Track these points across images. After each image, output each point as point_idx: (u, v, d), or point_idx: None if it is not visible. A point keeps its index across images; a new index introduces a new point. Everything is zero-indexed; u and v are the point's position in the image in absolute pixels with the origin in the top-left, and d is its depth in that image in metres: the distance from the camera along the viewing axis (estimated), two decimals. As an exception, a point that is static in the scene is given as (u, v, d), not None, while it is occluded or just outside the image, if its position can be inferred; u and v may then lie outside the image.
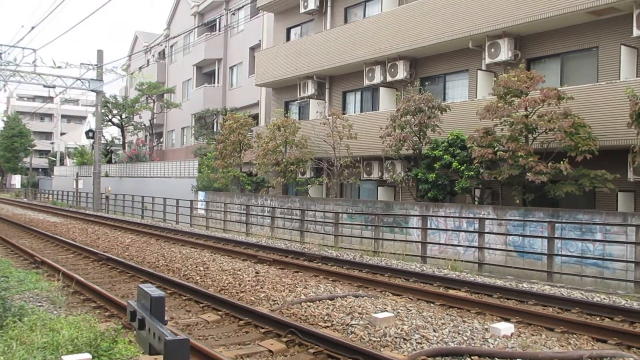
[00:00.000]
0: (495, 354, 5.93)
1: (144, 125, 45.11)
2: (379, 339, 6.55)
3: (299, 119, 25.32)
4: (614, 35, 15.30)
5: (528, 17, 16.11)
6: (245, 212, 21.56)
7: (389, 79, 20.87)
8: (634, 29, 14.18)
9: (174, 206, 26.25)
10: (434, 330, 6.78)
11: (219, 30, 37.27)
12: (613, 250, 11.97)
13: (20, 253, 13.93)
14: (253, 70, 30.95)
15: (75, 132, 72.34)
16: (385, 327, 6.84)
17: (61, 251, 14.90)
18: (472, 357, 5.88)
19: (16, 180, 72.36)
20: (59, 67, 29.02)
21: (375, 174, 20.48)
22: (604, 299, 9.41)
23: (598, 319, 8.15)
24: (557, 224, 12.58)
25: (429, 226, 15.10)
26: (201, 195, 26.49)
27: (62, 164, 62.35)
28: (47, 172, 73.82)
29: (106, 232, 18.09)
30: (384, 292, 9.78)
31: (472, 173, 15.65)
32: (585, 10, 15.00)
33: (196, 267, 11.50)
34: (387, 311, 7.55)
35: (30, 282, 9.52)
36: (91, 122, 52.56)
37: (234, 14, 34.80)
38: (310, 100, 25.13)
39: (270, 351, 6.33)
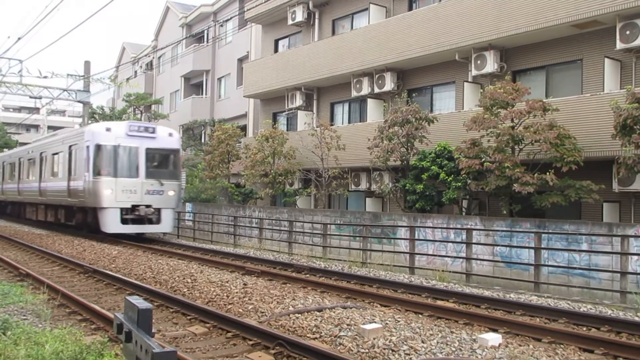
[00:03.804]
0: (483, 365, 5.93)
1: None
2: (367, 351, 6.54)
3: (287, 130, 25.36)
4: (597, 48, 15.53)
5: (513, 29, 16.31)
6: (233, 223, 21.50)
7: (376, 90, 20.99)
8: (617, 41, 14.41)
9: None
10: (423, 341, 6.78)
11: (207, 42, 37.30)
12: (599, 260, 12.07)
13: (5, 265, 13.75)
14: (241, 81, 30.99)
15: (61, 143, 71.71)
16: (374, 339, 6.83)
17: (47, 263, 14.73)
18: (460, 368, 5.88)
19: (1, 191, 71.53)
20: (45, 77, 28.83)
21: (363, 185, 20.53)
22: (591, 309, 9.47)
23: (585, 329, 8.20)
24: (543, 235, 12.67)
25: (416, 237, 15.14)
26: (188, 206, 26.36)
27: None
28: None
29: (92, 244, 17.93)
30: (372, 303, 9.77)
31: (460, 184, 15.74)
32: (569, 23, 15.23)
33: (184, 279, 11.42)
34: (375, 322, 7.54)
35: (15, 295, 9.41)
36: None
37: (222, 25, 34.87)
38: (298, 111, 25.19)
39: (258, 363, 6.29)
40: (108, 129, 19.04)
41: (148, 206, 18.96)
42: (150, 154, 19.52)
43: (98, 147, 18.74)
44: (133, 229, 19.24)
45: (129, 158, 19.06)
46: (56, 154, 22.92)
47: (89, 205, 19.18)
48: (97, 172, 18.68)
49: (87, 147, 19.08)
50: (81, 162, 19.58)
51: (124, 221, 18.61)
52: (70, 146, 21.02)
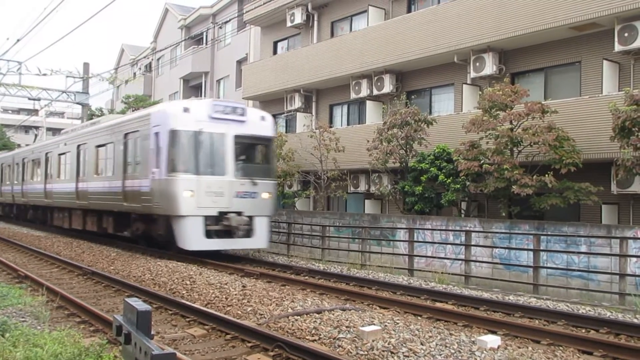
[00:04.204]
0: (482, 367, 5.92)
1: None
2: (366, 353, 6.53)
3: (286, 132, 25.34)
4: (596, 50, 15.55)
5: (512, 32, 16.33)
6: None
7: (375, 92, 21.00)
8: (616, 44, 14.43)
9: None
10: (422, 343, 6.78)
11: (206, 44, 37.31)
12: (598, 262, 12.08)
13: (4, 267, 13.75)
14: (240, 83, 30.99)
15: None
16: (373, 341, 6.83)
17: (45, 265, 14.72)
18: (460, 370, 5.87)
19: (0, 193, 71.44)
20: (45, 75, 28.80)
21: (363, 187, 20.53)
22: (590, 311, 9.48)
23: (584, 331, 8.21)
24: (542, 237, 12.68)
25: (415, 239, 15.14)
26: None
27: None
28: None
29: (91, 246, 17.92)
30: (371, 305, 9.77)
31: (459, 186, 15.75)
32: (568, 25, 15.25)
33: (182, 281, 11.42)
34: (374, 324, 7.54)
35: (14, 297, 9.40)
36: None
37: (221, 27, 34.88)
38: (297, 113, 25.19)
39: (257, 365, 6.28)
40: (186, 109, 14.39)
41: (239, 213, 14.50)
42: (240, 143, 15.05)
43: (174, 134, 14.13)
44: (220, 245, 14.71)
45: (215, 149, 14.59)
46: (102, 146, 18.56)
47: (157, 212, 14.67)
48: (172, 168, 14.10)
49: (156, 134, 14.60)
50: (145, 154, 15.24)
51: (207, 234, 14.18)
52: (126, 134, 16.54)
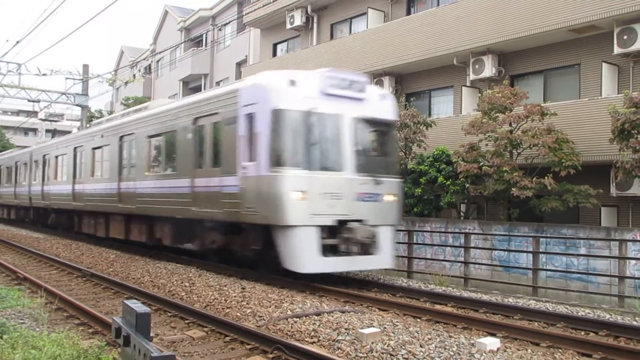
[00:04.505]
0: (481, 369, 5.90)
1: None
2: (365, 355, 6.53)
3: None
4: (595, 53, 15.58)
5: (511, 34, 16.36)
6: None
7: (375, 94, 20.97)
8: (615, 46, 14.46)
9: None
10: (421, 346, 6.77)
11: (206, 46, 37.35)
12: (597, 264, 12.09)
13: (2, 269, 13.73)
14: (239, 85, 30.97)
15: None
16: (372, 343, 6.82)
17: (44, 267, 14.70)
18: (459, 373, 5.85)
19: None
20: (44, 75, 28.77)
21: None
22: (589, 313, 9.47)
23: (583, 333, 8.20)
24: (541, 239, 12.68)
25: (415, 241, 15.13)
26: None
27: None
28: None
29: (90, 248, 17.89)
30: (370, 308, 9.76)
31: (458, 188, 15.76)
32: (567, 28, 15.28)
33: (182, 282, 11.40)
34: (373, 326, 7.53)
35: (13, 299, 9.39)
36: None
37: (220, 29, 34.92)
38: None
39: (257, 368, 6.27)
40: (293, 83, 10.71)
41: (359, 222, 10.87)
42: (359, 128, 11.39)
43: (278, 115, 10.49)
44: (341, 265, 11.05)
45: (330, 136, 11.04)
46: (156, 136, 15.06)
47: (250, 220, 11.02)
48: (275, 162, 10.44)
49: (250, 116, 10.93)
50: (229, 144, 11.58)
51: (323, 250, 10.55)
52: (196, 119, 13.00)
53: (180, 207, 13.23)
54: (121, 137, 17.02)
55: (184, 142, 13.52)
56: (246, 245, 11.83)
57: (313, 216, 10.45)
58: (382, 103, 11.95)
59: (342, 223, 10.77)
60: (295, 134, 10.69)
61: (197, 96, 14.54)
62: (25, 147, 33.63)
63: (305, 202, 10.38)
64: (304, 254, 10.41)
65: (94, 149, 19.03)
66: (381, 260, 11.43)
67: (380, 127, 11.93)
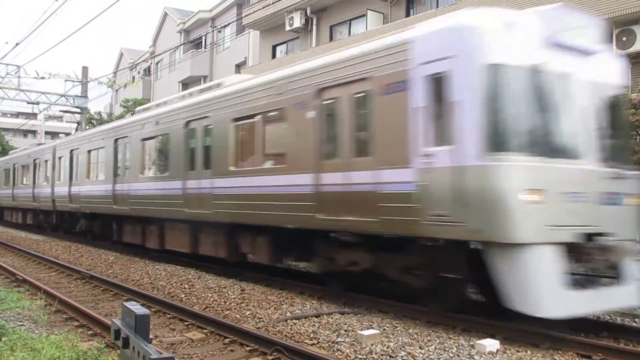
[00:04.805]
0: (481, 371, 5.87)
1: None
2: (365, 357, 6.52)
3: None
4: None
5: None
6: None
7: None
8: (614, 48, 14.46)
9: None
10: (420, 347, 6.77)
11: (205, 48, 37.40)
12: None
13: (2, 271, 13.72)
14: (239, 87, 31.00)
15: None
16: (372, 345, 6.82)
17: (44, 269, 14.70)
18: (459, 374, 5.81)
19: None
20: (43, 78, 28.81)
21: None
22: (588, 314, 9.45)
23: (582, 335, 8.19)
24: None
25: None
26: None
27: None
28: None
29: (90, 250, 17.89)
30: (370, 309, 9.75)
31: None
32: (566, 29, 15.25)
33: (181, 284, 11.40)
34: (373, 328, 7.53)
35: (12, 301, 9.39)
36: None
37: (219, 31, 34.98)
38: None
39: (256, 370, 6.26)
40: (509, 25, 7.30)
41: (606, 236, 7.50)
42: (597, 98, 8.04)
43: (495, 73, 7.17)
44: (594, 304, 7.59)
45: (564, 106, 7.79)
46: (246, 118, 11.41)
47: (444, 234, 7.61)
48: (494, 144, 7.10)
49: (440, 76, 7.58)
50: (392, 120, 8.24)
51: (569, 280, 7.16)
52: (320, 90, 9.52)
53: (295, 213, 9.70)
54: (187, 122, 13.35)
55: (300, 123, 9.77)
56: (412, 269, 8.60)
57: (552, 229, 7.10)
58: (609, 64, 8.52)
59: (591, 237, 7.41)
60: (520, 102, 7.34)
61: (319, 60, 10.24)
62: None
63: (542, 208, 7.04)
64: (542, 287, 6.98)
65: (143, 140, 15.59)
66: (631, 292, 7.83)
67: (616, 97, 8.48)
